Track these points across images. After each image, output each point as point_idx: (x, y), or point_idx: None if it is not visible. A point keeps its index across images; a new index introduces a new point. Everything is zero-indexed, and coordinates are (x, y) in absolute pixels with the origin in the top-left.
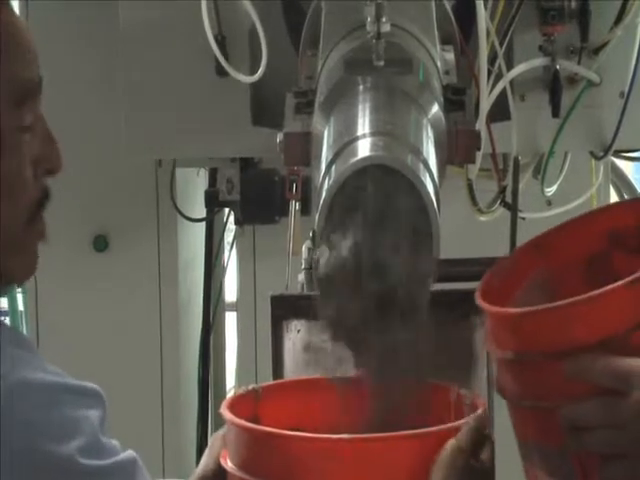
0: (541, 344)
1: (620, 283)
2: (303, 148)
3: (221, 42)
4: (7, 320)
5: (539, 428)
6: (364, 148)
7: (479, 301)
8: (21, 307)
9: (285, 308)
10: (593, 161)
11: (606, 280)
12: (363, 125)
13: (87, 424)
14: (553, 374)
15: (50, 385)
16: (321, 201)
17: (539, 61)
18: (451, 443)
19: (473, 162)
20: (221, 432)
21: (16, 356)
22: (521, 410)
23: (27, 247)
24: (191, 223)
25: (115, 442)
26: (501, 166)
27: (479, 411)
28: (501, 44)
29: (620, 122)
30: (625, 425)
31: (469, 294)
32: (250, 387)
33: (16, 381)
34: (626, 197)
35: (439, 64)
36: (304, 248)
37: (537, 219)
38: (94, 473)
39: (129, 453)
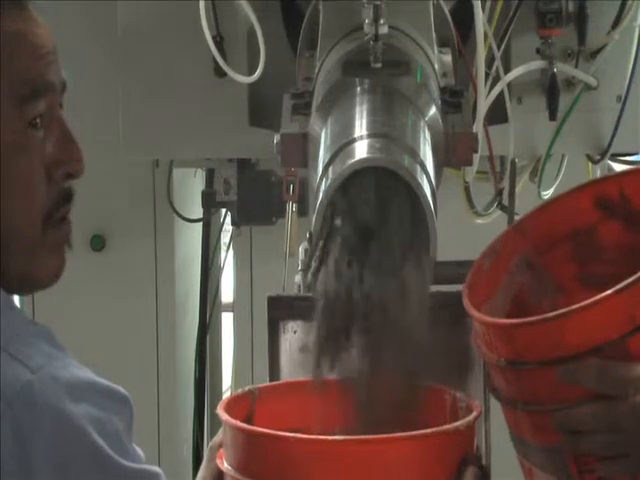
0: (535, 353)
1: (611, 291)
2: (300, 149)
3: (219, 43)
4: None
5: (534, 428)
6: (361, 150)
7: (468, 307)
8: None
9: (282, 309)
10: (590, 164)
11: (591, 253)
12: (360, 127)
13: (110, 427)
14: (547, 380)
15: (78, 383)
16: (318, 202)
17: (536, 64)
18: None
19: (470, 165)
20: (218, 440)
21: (49, 353)
22: (515, 411)
23: (47, 251)
24: (188, 223)
25: (140, 452)
26: (498, 169)
27: (474, 414)
28: (499, 47)
29: (617, 126)
30: (622, 429)
31: None
32: (247, 388)
33: (47, 375)
34: None
35: (437, 66)
36: (301, 249)
37: None
38: (114, 468)
39: (154, 467)
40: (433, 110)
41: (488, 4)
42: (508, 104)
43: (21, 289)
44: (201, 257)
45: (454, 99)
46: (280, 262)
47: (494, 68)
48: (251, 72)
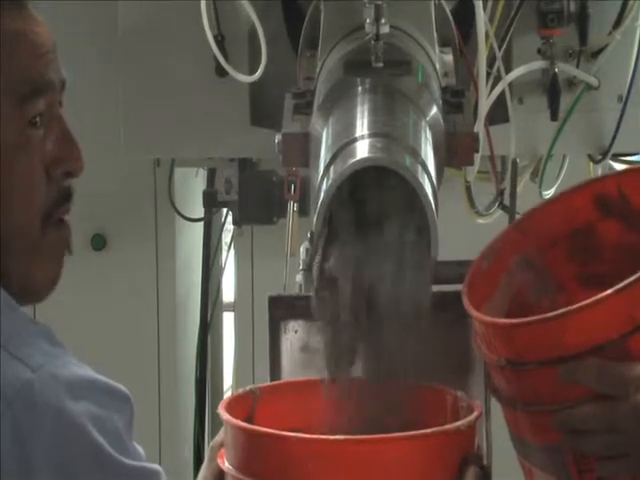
0: (535, 353)
1: (611, 290)
2: (301, 149)
3: (220, 42)
4: None
5: (533, 428)
6: (362, 149)
7: (468, 307)
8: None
9: (283, 308)
10: (591, 164)
11: (590, 252)
12: (362, 126)
13: (111, 424)
14: (548, 379)
15: (78, 381)
16: (319, 202)
17: (538, 64)
18: None
19: (471, 164)
20: (219, 440)
21: (49, 352)
22: (515, 412)
23: (47, 253)
24: (189, 223)
25: (140, 450)
26: (499, 169)
27: (475, 414)
28: (500, 47)
29: (618, 126)
30: (622, 428)
31: None
32: (248, 388)
33: (47, 374)
34: None
35: (438, 66)
36: (302, 249)
37: None
38: (115, 466)
39: (154, 465)
40: (434, 110)
41: (489, 4)
42: (509, 104)
43: (20, 296)
44: (202, 257)
45: (455, 99)
46: (281, 262)
47: (495, 68)
48: (252, 72)
